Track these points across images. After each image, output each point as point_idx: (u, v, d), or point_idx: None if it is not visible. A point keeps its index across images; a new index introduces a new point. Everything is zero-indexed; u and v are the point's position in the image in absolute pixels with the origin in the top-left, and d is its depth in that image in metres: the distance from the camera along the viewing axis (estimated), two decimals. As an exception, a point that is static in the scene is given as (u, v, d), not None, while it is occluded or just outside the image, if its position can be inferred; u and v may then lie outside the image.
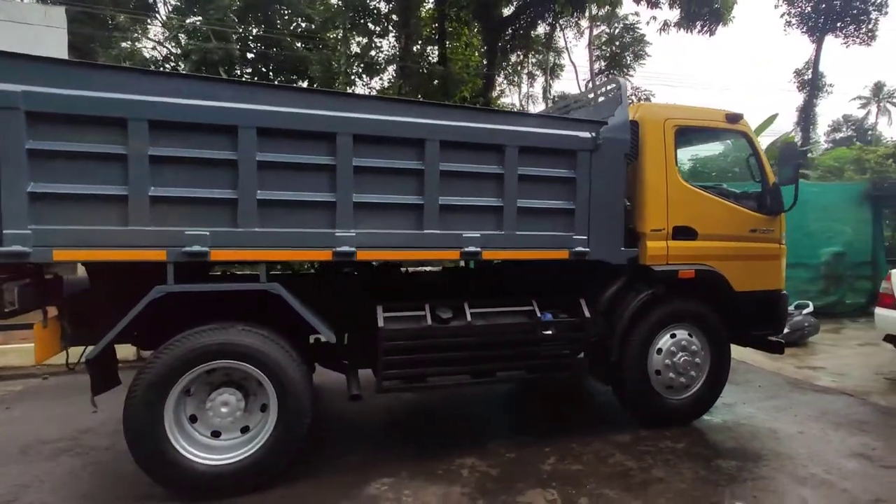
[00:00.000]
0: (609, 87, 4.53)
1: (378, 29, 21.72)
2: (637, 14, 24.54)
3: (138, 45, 20.05)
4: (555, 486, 3.48)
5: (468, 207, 3.75)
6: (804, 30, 21.00)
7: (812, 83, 21.87)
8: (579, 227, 4.02)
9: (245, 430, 3.47)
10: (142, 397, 3.12)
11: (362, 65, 20.08)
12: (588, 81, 28.57)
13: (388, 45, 22.18)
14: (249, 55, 18.56)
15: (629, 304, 4.29)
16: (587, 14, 21.26)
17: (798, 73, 22.79)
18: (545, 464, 3.79)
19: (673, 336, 4.44)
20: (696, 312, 4.50)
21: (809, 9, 20.38)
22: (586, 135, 3.98)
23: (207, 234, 3.19)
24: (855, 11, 19.79)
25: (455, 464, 3.77)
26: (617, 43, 28.16)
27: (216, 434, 3.42)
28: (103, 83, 2.99)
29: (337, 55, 16.08)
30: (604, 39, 28.07)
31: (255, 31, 19.06)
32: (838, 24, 20.36)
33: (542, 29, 22.78)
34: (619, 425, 4.51)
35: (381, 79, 22.38)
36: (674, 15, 15.92)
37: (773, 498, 3.34)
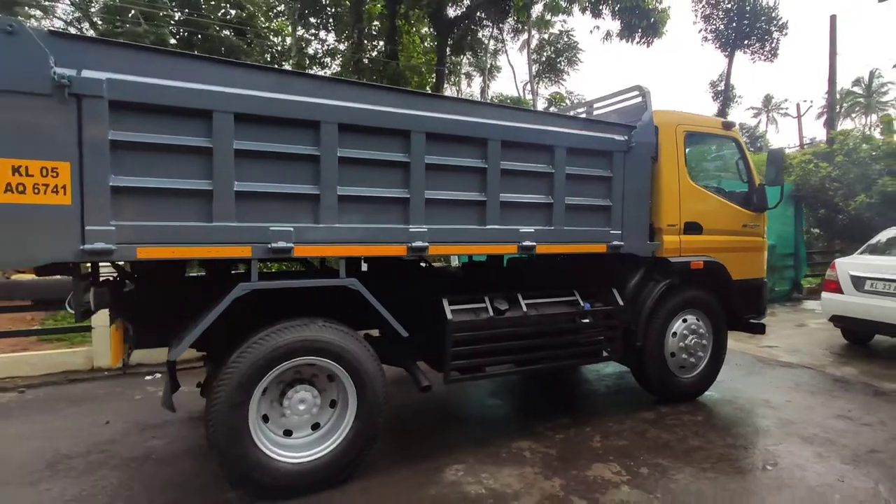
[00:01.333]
0: (630, 94, 4.92)
1: (318, 22, 21.25)
2: (565, 21, 25.90)
3: (45, 23, 18.19)
4: (612, 459, 3.78)
5: (523, 204, 3.96)
6: (718, 45, 23.23)
7: (725, 94, 24.22)
8: (615, 222, 4.37)
9: (315, 427, 3.46)
10: (228, 398, 3.03)
11: (300, 58, 19.51)
12: (525, 84, 29.74)
13: (332, 38, 21.81)
14: (172, 41, 17.37)
15: (651, 293, 4.71)
16: (529, 19, 22.07)
17: (713, 84, 25.18)
18: (594, 441, 4.10)
19: (685, 321, 4.93)
20: (703, 299, 5.02)
21: (723, 26, 22.57)
22: (622, 137, 4.33)
23: (292, 229, 3.16)
24: (760, 31, 22.19)
25: (513, 448, 3.97)
26: (551, 48, 29.53)
27: (288, 433, 3.39)
28: (189, 73, 2.88)
29: (289, 46, 15.53)
30: (538, 44, 29.30)
31: (178, 15, 17.86)
32: (746, 42, 22.73)
33: (483, 32, 23.45)
34: (637, 404, 4.93)
35: (325, 73, 21.94)
36: (615, 26, 17.06)
37: (796, 456, 3.86)
